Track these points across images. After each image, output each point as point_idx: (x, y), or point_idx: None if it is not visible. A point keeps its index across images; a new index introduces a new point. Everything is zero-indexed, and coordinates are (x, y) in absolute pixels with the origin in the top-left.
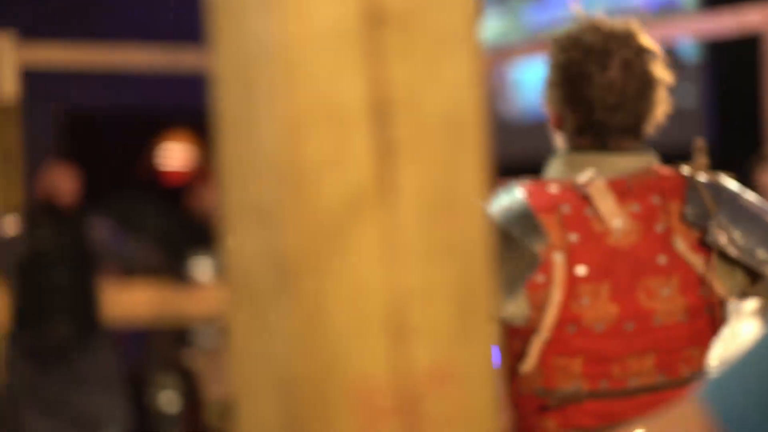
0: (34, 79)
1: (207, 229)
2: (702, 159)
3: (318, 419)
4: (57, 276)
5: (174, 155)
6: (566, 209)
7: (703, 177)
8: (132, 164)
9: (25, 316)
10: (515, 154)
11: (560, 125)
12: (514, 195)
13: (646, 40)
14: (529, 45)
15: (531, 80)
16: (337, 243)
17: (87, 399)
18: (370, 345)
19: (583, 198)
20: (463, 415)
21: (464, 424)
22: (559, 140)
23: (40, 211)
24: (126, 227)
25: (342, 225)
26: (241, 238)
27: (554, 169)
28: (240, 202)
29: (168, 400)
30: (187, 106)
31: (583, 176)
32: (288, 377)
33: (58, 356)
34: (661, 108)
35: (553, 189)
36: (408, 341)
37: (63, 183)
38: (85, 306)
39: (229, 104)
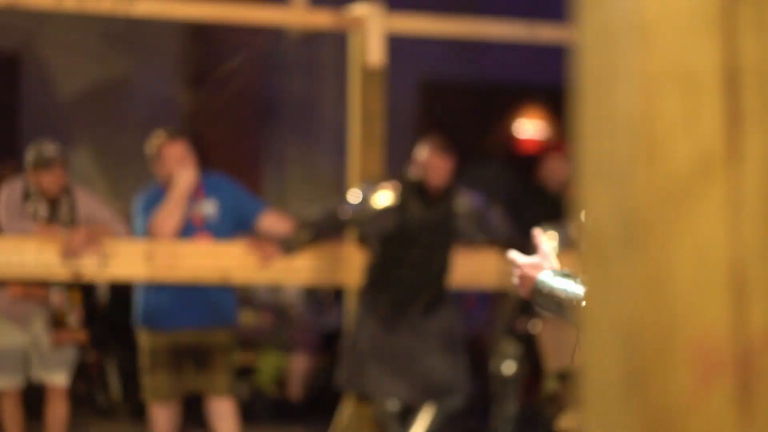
0: (396, 48)
1: (558, 202)
2: None
3: (658, 370)
4: (416, 252)
5: (527, 128)
6: None
7: None
8: (484, 135)
9: (379, 281)
10: None
11: None
12: None
13: None
14: None
15: None
16: (685, 204)
17: (430, 362)
18: (712, 303)
19: None
20: None
21: None
22: None
23: (413, 189)
24: (483, 196)
25: (690, 187)
26: (593, 194)
27: None
28: (594, 160)
29: (507, 365)
30: (542, 80)
31: None
32: (632, 329)
33: (404, 322)
34: None
35: None
36: (748, 302)
37: (438, 165)
38: (436, 280)
39: (589, 71)
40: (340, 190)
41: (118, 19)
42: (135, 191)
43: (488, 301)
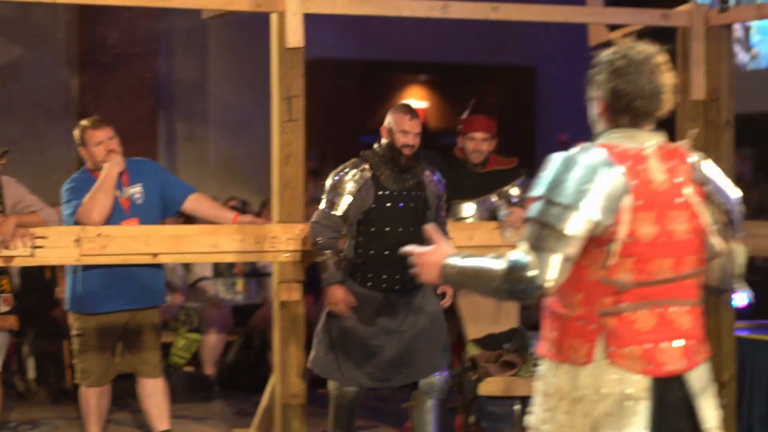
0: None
1: (479, 176)
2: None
3: None
4: (396, 225)
5: (415, 104)
6: (629, 163)
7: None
8: (373, 112)
9: (362, 260)
10: None
11: (604, 111)
12: (598, 151)
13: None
14: None
15: None
16: None
17: (417, 340)
18: None
19: (638, 157)
20: None
21: None
22: (600, 122)
23: (382, 160)
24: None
25: None
26: None
27: (607, 138)
28: None
29: None
30: (429, 62)
31: (639, 144)
32: None
33: (388, 300)
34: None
35: (618, 150)
36: None
37: (406, 126)
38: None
39: None
40: (233, 169)
41: (6, 5)
42: (28, 176)
43: None
